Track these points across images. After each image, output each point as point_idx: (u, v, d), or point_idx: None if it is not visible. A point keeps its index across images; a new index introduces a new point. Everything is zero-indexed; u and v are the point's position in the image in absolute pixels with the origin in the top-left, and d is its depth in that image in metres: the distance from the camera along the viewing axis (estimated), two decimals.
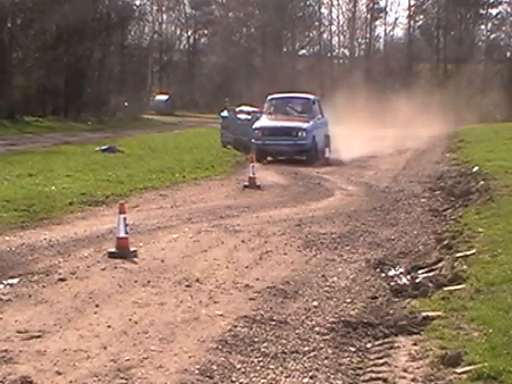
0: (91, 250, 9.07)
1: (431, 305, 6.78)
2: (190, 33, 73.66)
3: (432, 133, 32.66)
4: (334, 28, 70.01)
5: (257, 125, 22.47)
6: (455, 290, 7.12)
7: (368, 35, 68.94)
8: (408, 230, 11.09)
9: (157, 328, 6.16)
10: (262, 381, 5.22)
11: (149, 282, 7.65)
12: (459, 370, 5.18)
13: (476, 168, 17.50)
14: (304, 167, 20.31)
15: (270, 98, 23.94)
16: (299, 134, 21.73)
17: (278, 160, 22.17)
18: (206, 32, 74.45)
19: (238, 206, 13.03)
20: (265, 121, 22.79)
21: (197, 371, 5.25)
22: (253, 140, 21.95)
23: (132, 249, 8.86)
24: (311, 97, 24.35)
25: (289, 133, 21.82)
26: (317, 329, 6.34)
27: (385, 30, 71.10)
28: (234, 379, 5.21)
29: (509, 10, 65.70)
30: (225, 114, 26.64)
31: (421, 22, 69.02)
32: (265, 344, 5.91)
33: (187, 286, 7.52)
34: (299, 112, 23.38)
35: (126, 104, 50.39)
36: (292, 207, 13.20)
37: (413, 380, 5.22)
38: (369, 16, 68.81)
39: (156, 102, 62.45)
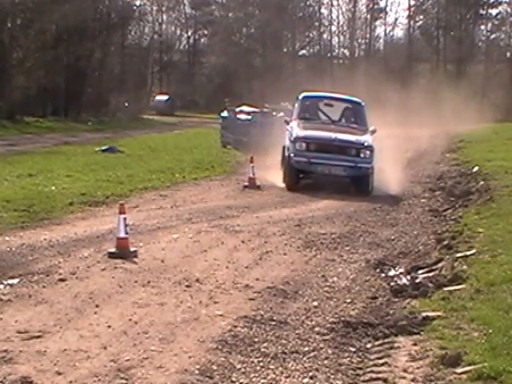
0: (91, 250, 9.07)
1: (431, 305, 6.78)
2: (189, 33, 73.70)
3: (432, 133, 32.66)
4: (333, 28, 70.18)
5: (298, 133, 15.73)
6: (455, 290, 7.13)
7: (368, 35, 69.02)
8: (408, 231, 11.10)
9: (157, 328, 6.16)
10: (262, 381, 5.22)
11: (149, 282, 7.65)
12: (459, 370, 5.18)
13: (476, 168, 17.51)
14: None
15: (303, 96, 17.51)
16: (361, 153, 15.33)
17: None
18: (205, 32, 74.51)
19: (237, 206, 13.03)
20: (307, 130, 16.01)
21: (197, 371, 5.26)
22: (291, 155, 15.55)
23: (132, 249, 8.86)
24: (360, 100, 17.50)
25: (347, 150, 15.41)
26: (317, 329, 6.34)
27: (385, 30, 71.27)
28: (234, 379, 5.21)
29: (509, 10, 65.81)
30: (225, 114, 26.63)
31: (421, 23, 69.12)
32: (265, 344, 5.91)
33: (187, 286, 7.52)
34: (349, 121, 17.10)
35: (126, 104, 50.41)
36: (292, 207, 13.19)
37: (413, 380, 5.23)
38: (369, 16, 68.87)
39: (156, 102, 62.49)
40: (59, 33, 40.79)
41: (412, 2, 68.07)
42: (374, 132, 16.22)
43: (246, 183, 15.77)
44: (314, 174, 15.79)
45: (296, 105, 17.44)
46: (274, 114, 24.96)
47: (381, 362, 5.62)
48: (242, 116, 25.84)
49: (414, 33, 69.11)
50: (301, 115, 16.91)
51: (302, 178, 15.95)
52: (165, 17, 72.56)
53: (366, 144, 15.55)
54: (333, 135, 15.67)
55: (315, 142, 15.60)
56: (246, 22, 70.49)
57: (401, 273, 8.39)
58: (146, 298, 7.04)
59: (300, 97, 17.45)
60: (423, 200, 14.25)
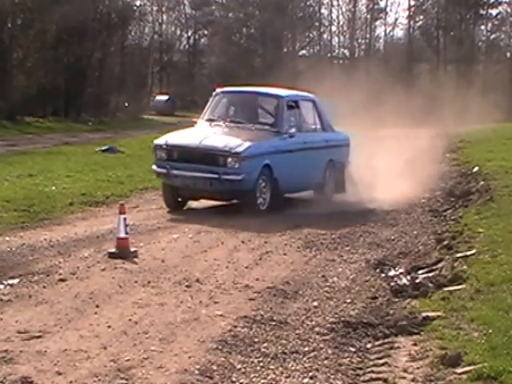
0: (91, 250, 9.08)
1: (431, 305, 6.78)
2: (190, 33, 73.67)
3: (432, 133, 32.64)
4: (334, 28, 70.14)
5: (158, 140, 12.94)
6: (455, 290, 7.13)
7: (368, 35, 69.00)
8: (408, 231, 11.09)
9: (157, 328, 6.17)
10: (262, 381, 5.22)
11: (149, 282, 7.66)
12: (459, 370, 5.18)
13: (476, 168, 17.51)
14: None
15: (217, 92, 13.98)
16: (228, 161, 12.02)
17: None
18: (206, 32, 74.49)
19: (237, 205, 13.01)
20: (180, 133, 13.43)
21: (197, 371, 5.26)
22: (153, 166, 12.87)
23: (132, 249, 8.87)
24: (285, 94, 13.81)
25: (213, 159, 12.13)
26: (317, 329, 6.35)
27: (385, 31, 71.21)
28: (234, 379, 5.21)
29: (509, 10, 65.77)
30: None
31: (421, 23, 69.12)
32: (265, 344, 5.91)
33: (187, 286, 7.53)
34: (261, 122, 13.41)
35: (126, 104, 50.37)
36: (291, 207, 13.17)
37: (413, 380, 5.23)
38: (369, 16, 68.85)
39: (156, 102, 62.41)
40: (59, 33, 40.75)
41: (412, 3, 68.10)
42: (292, 136, 13.06)
43: None
44: (179, 188, 12.45)
45: (208, 104, 14.00)
46: None
47: (381, 362, 5.63)
48: None
49: (414, 33, 69.12)
50: (207, 116, 13.66)
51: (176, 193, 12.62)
52: (165, 17, 72.52)
53: (235, 151, 12.02)
54: (199, 140, 12.46)
55: (176, 149, 12.53)
56: (246, 22, 70.49)
57: (401, 273, 8.39)
58: (146, 298, 7.05)
59: (213, 93, 14.08)
60: (423, 200, 14.24)
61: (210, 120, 13.53)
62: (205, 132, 13.00)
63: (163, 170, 12.43)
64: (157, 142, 12.81)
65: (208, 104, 13.92)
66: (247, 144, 12.22)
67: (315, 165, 13.69)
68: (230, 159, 12.04)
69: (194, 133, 13.14)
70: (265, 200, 12.36)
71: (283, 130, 13.04)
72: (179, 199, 12.70)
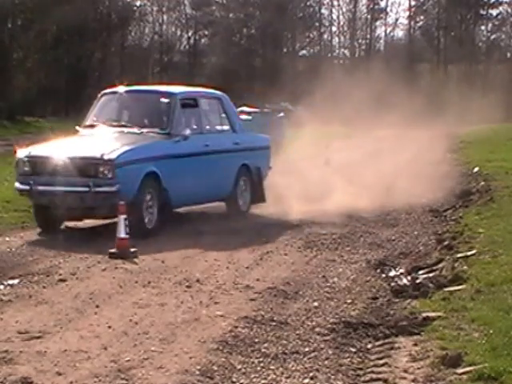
0: (91, 250, 9.07)
1: (432, 305, 6.78)
2: (190, 33, 73.66)
3: (433, 133, 32.64)
4: (334, 29, 70.12)
5: (22, 152, 10.78)
6: (456, 290, 7.12)
7: (368, 36, 69.01)
8: (408, 231, 11.08)
9: (157, 328, 6.16)
10: (263, 381, 5.22)
11: (149, 282, 7.66)
12: (460, 370, 5.18)
13: (477, 169, 17.51)
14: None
15: (102, 94, 12.29)
16: (100, 170, 10.12)
17: None
18: (206, 33, 74.49)
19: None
20: (48, 143, 11.23)
21: (197, 372, 5.25)
22: (15, 184, 10.93)
23: (132, 249, 8.87)
24: (179, 91, 12.12)
25: (81, 169, 10.21)
26: (317, 329, 6.34)
27: (385, 31, 71.14)
28: (234, 380, 5.21)
29: (509, 10, 65.75)
30: None
31: (421, 23, 69.14)
32: (265, 345, 5.90)
33: (188, 286, 7.53)
34: (150, 124, 11.40)
35: None
36: (292, 207, 13.16)
37: (413, 381, 5.22)
38: (369, 16, 68.82)
39: None
40: (59, 33, 40.83)
41: (412, 3, 68.06)
42: (186, 138, 11.15)
43: None
44: (47, 207, 10.42)
45: (91, 108, 12.19)
46: (281, 114, 25.10)
47: (381, 362, 5.62)
48: (242, 116, 25.83)
49: (414, 33, 69.14)
50: (89, 121, 11.89)
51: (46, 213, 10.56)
52: (165, 17, 72.46)
53: (107, 157, 10.09)
54: (68, 149, 10.63)
55: (40, 160, 10.49)
56: (247, 22, 70.51)
57: (401, 273, 8.38)
58: (146, 299, 7.05)
59: (99, 95, 12.33)
60: (424, 200, 14.23)
61: (90, 126, 11.75)
62: (79, 140, 11.38)
63: (26, 187, 10.44)
64: (19, 153, 10.78)
65: (92, 107, 12.14)
66: (123, 149, 10.38)
67: (222, 171, 11.89)
68: (101, 168, 10.09)
69: (66, 141, 11.33)
70: (152, 216, 10.43)
71: (175, 131, 11.14)
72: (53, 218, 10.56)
